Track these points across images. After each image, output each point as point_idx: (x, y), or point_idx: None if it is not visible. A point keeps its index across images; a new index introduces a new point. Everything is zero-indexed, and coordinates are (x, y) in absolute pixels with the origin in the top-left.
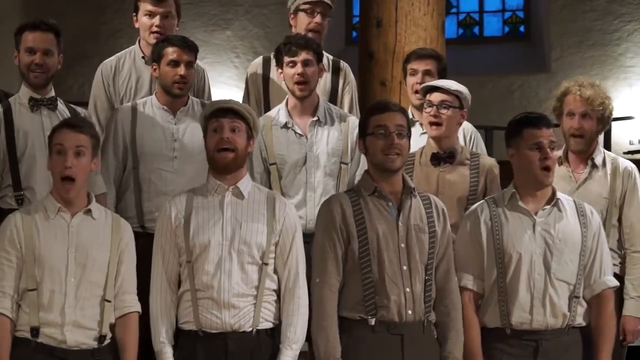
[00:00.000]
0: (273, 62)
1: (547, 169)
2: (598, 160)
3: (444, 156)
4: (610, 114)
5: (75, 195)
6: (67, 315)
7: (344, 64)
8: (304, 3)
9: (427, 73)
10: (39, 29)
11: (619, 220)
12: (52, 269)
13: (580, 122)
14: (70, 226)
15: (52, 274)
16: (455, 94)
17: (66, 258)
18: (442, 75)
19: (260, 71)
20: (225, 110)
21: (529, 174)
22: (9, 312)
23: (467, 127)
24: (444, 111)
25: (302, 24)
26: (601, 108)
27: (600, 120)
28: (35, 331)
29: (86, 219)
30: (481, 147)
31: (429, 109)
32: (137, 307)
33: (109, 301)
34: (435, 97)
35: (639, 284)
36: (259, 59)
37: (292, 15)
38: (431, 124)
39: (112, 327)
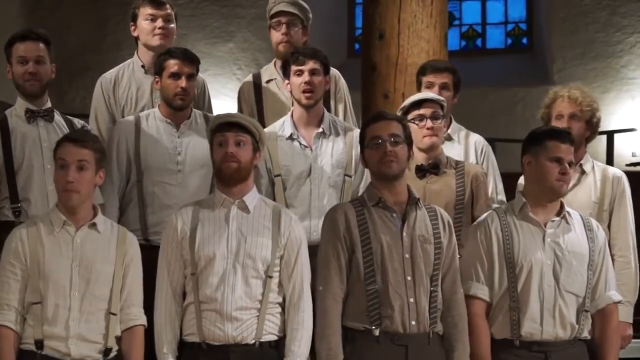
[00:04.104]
0: (264, 77)
1: (564, 180)
2: (587, 167)
3: (428, 167)
4: (599, 121)
5: (77, 204)
6: (72, 328)
7: (334, 71)
8: (270, 18)
9: (444, 87)
10: (28, 39)
11: (609, 226)
12: (57, 283)
13: (569, 122)
14: (75, 240)
15: (56, 288)
16: (441, 104)
17: (70, 272)
18: (457, 88)
19: (251, 87)
20: (231, 124)
21: (543, 184)
22: (14, 324)
23: (478, 139)
24: (436, 122)
25: (273, 39)
26: (589, 109)
27: (589, 124)
28: (39, 344)
29: (91, 233)
30: (492, 161)
31: (422, 123)
32: (143, 320)
33: (114, 314)
34: (426, 110)
35: (628, 289)
36: (249, 76)
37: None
38: (427, 134)
39: (119, 340)
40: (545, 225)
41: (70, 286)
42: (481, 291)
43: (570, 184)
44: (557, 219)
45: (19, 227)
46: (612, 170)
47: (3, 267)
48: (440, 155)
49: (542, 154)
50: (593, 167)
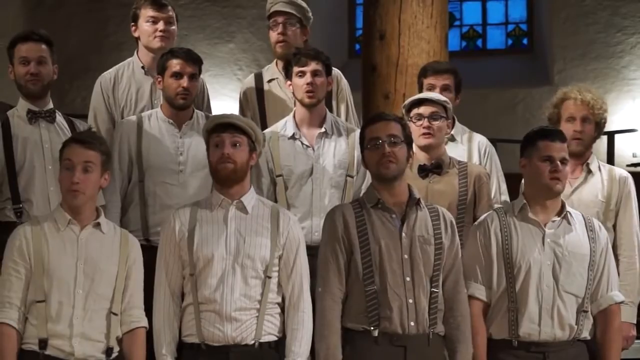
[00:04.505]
0: (266, 77)
1: (557, 178)
2: (593, 166)
3: (431, 167)
4: (605, 121)
5: (82, 204)
6: (75, 327)
7: (336, 71)
8: (268, 18)
9: (445, 88)
10: (30, 40)
11: (614, 226)
12: (61, 281)
13: (582, 125)
14: (80, 239)
15: (60, 286)
16: (443, 105)
17: (75, 270)
18: (458, 89)
19: (253, 90)
20: (226, 125)
21: (538, 184)
22: (16, 323)
23: (481, 140)
24: (435, 122)
25: (271, 39)
26: (601, 111)
27: (598, 125)
28: (43, 343)
29: (95, 233)
30: (495, 162)
31: (420, 122)
32: (144, 322)
33: (115, 314)
34: (425, 109)
35: (632, 290)
36: (251, 76)
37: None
38: (423, 134)
39: (119, 341)
40: (545, 225)
41: (74, 284)
42: (479, 291)
43: (577, 183)
44: (558, 219)
45: (23, 225)
46: (619, 171)
47: (6, 264)
48: (443, 156)
49: (534, 155)
50: (599, 167)
